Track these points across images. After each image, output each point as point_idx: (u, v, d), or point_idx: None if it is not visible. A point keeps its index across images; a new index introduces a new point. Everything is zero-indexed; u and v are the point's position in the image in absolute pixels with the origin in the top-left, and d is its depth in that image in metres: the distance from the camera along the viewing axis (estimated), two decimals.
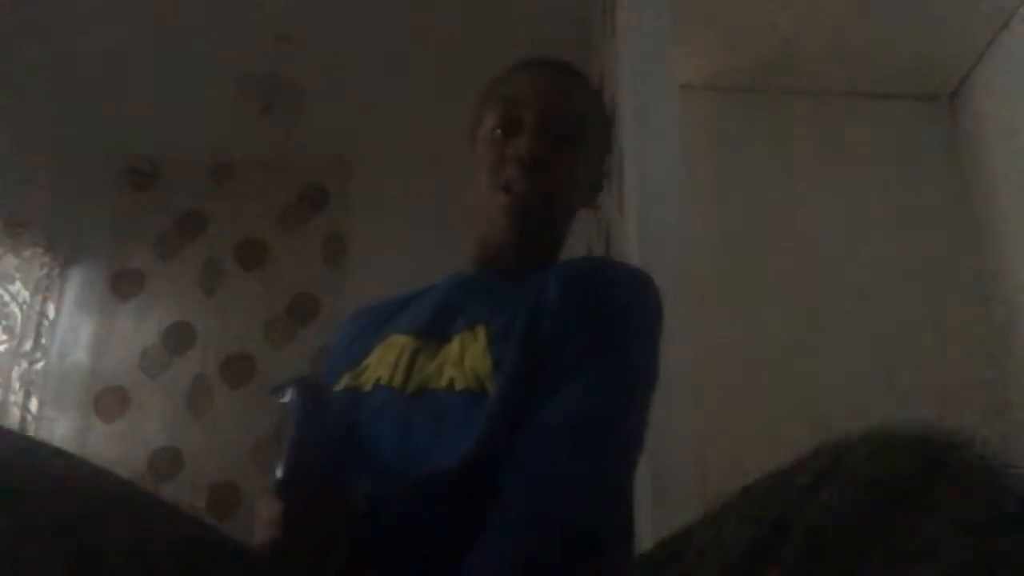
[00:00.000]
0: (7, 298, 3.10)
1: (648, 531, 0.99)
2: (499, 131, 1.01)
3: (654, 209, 1.65)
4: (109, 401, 3.16)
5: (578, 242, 2.66)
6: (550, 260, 1.04)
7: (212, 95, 2.98)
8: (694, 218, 1.71)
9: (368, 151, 3.25)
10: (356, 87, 2.95)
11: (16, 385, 3.08)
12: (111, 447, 3.09)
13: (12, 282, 3.12)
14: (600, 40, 2.36)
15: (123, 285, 3.33)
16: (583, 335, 0.86)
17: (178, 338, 3.23)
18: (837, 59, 2.38)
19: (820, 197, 2.39)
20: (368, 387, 0.93)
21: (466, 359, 0.88)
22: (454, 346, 0.91)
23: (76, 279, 3.35)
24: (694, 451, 1.42)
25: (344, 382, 0.95)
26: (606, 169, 1.14)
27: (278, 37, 2.72)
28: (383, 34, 2.72)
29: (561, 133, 1.01)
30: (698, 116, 2.28)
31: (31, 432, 3.09)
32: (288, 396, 0.81)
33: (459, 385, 0.86)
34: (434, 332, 0.95)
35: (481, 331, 0.91)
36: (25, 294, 3.17)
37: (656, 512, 1.32)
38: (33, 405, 3.13)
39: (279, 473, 0.72)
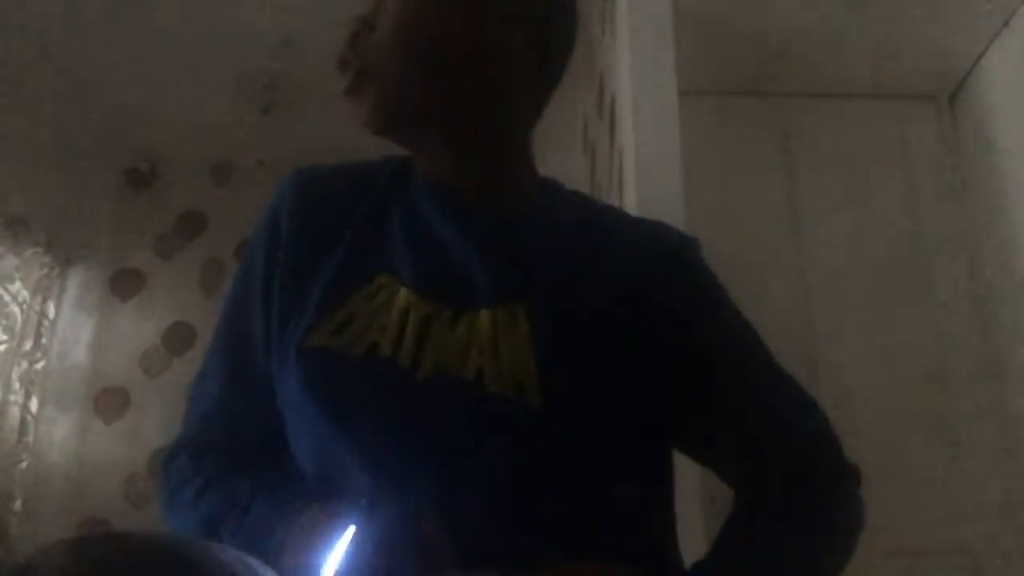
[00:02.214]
0: (7, 298, 3.10)
1: None
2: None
3: (654, 210, 1.65)
4: (109, 401, 3.16)
5: None
6: (499, 158, 0.80)
7: (212, 95, 2.98)
8: (694, 219, 1.70)
9: (368, 151, 3.25)
10: None
11: (16, 385, 3.07)
12: (111, 447, 3.09)
13: (12, 282, 3.12)
14: (599, 40, 2.36)
15: (123, 285, 3.33)
16: (729, 348, 0.80)
17: (178, 338, 3.23)
18: (837, 59, 2.38)
19: (820, 197, 2.38)
20: (358, 353, 0.70)
21: (501, 351, 0.69)
22: (483, 325, 0.70)
23: (76, 279, 3.35)
24: None
25: (319, 338, 0.71)
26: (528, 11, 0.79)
27: (278, 37, 2.72)
28: None
29: None
30: (697, 116, 2.28)
31: (31, 432, 3.09)
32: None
33: (491, 385, 0.68)
34: (447, 293, 0.72)
35: (521, 316, 0.70)
36: (25, 294, 3.16)
37: None
38: (33, 405, 3.12)
39: None
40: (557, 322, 0.72)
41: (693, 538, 0.76)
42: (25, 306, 3.16)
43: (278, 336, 0.75)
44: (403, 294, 0.72)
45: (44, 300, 3.22)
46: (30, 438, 3.09)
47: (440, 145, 0.79)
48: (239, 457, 0.75)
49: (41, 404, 3.15)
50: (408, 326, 0.70)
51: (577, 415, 0.70)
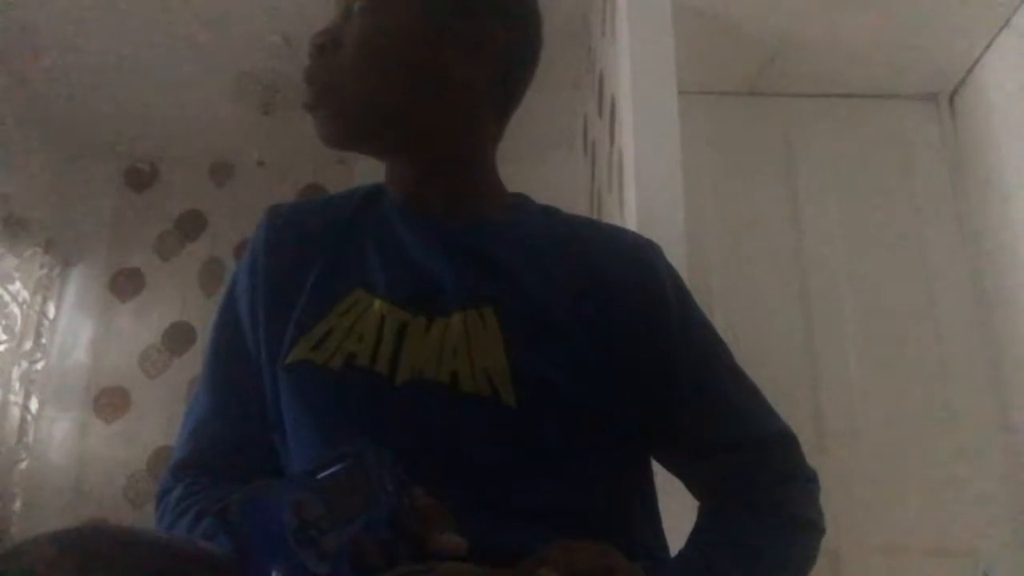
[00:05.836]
0: (7, 298, 3.10)
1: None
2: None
3: (654, 210, 1.65)
4: (109, 401, 3.16)
5: None
6: (464, 173, 0.82)
7: (212, 95, 2.98)
8: (694, 219, 1.70)
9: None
10: None
11: (16, 385, 3.07)
12: (111, 447, 3.09)
13: (12, 282, 3.12)
14: (600, 40, 2.36)
15: (123, 285, 3.33)
16: (687, 351, 0.79)
17: (178, 338, 3.23)
18: (837, 59, 2.38)
19: (820, 198, 2.38)
20: (337, 364, 0.72)
21: (474, 352, 0.71)
22: (455, 328, 0.72)
23: (76, 279, 3.35)
24: None
25: (299, 353, 0.73)
26: (480, 24, 0.80)
27: (278, 37, 2.72)
28: None
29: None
30: (697, 116, 2.28)
31: (31, 432, 3.10)
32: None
33: (466, 386, 0.70)
34: (420, 301, 0.74)
35: (491, 316, 0.73)
36: (25, 294, 3.16)
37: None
38: (33, 405, 3.13)
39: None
40: (526, 322, 0.74)
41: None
42: (25, 306, 3.16)
43: (266, 357, 0.78)
44: (378, 305, 0.75)
45: (44, 300, 3.23)
46: (30, 438, 3.09)
47: (404, 163, 0.83)
48: (227, 473, 0.77)
49: (41, 404, 3.15)
50: (384, 335, 0.73)
51: (550, 412, 0.72)
